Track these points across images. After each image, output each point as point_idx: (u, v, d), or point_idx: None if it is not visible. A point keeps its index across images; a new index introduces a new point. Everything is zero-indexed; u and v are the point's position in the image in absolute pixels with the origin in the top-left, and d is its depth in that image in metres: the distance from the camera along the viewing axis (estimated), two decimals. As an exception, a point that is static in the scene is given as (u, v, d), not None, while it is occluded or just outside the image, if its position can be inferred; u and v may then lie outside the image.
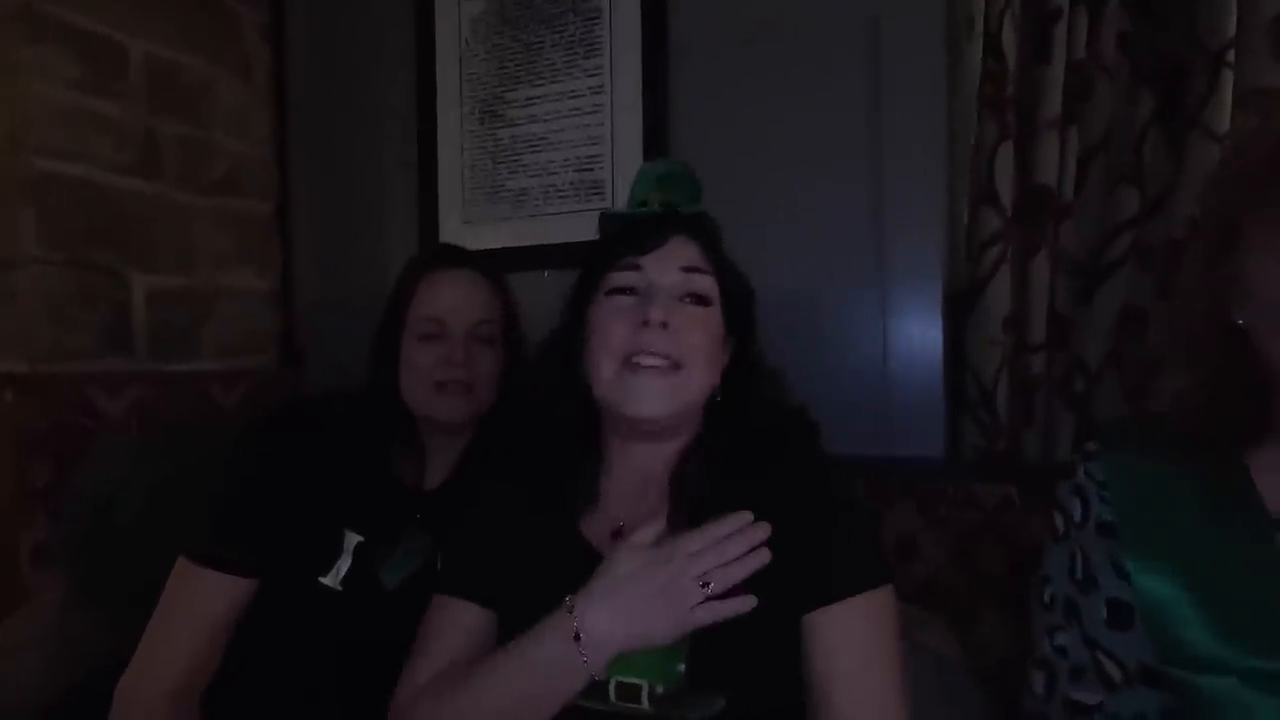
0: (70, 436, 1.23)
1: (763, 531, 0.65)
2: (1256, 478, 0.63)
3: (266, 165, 1.66)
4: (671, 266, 0.77)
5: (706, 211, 0.83)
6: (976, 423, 1.20)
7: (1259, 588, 0.60)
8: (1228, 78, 1.07)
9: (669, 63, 1.35)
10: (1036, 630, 0.73)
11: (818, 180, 1.25)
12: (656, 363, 0.73)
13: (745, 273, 0.83)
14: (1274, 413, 0.63)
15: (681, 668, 0.67)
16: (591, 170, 1.42)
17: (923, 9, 1.19)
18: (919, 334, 1.20)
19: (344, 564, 0.91)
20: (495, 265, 1.04)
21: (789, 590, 0.67)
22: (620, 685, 0.67)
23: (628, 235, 0.79)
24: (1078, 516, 0.70)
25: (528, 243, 1.45)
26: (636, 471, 0.79)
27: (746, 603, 0.63)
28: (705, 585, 0.64)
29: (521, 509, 0.80)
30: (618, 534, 0.75)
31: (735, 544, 0.65)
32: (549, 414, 0.82)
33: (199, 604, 0.86)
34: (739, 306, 0.81)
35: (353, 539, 0.92)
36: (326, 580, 0.90)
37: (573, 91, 1.43)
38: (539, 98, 1.46)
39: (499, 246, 1.45)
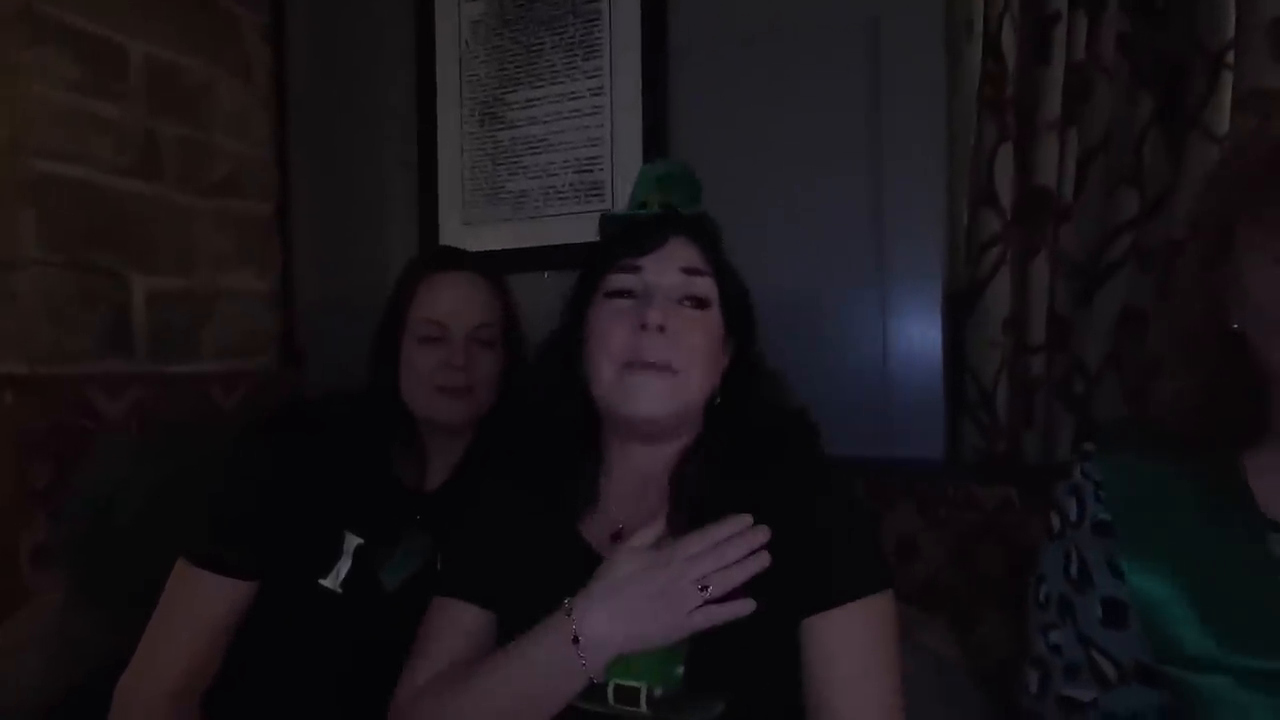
0: (70, 437, 1.23)
1: (762, 535, 0.65)
2: (1252, 479, 0.64)
3: (266, 166, 1.66)
4: (671, 268, 0.76)
5: (707, 213, 0.83)
6: (976, 424, 1.20)
7: (1253, 588, 0.60)
8: (1227, 79, 1.07)
9: (669, 64, 1.35)
10: (1031, 629, 0.74)
11: (818, 180, 1.25)
12: (655, 361, 0.73)
13: (745, 273, 0.83)
14: (1270, 415, 0.63)
15: (680, 671, 0.67)
16: (591, 172, 1.42)
17: (923, 9, 1.19)
18: (919, 334, 1.20)
19: (344, 566, 0.91)
20: (495, 267, 1.04)
21: (788, 594, 0.67)
22: (619, 688, 0.67)
23: (627, 236, 0.79)
24: (1074, 516, 0.70)
25: (528, 244, 1.45)
26: (636, 473, 0.79)
27: (745, 606, 0.63)
28: (704, 588, 0.64)
29: (521, 510, 0.80)
30: (617, 536, 0.75)
31: (735, 547, 0.65)
32: (549, 415, 0.82)
33: (199, 606, 0.87)
34: (739, 308, 0.81)
35: (353, 541, 0.92)
36: (326, 582, 0.90)
37: (572, 93, 1.43)
38: (539, 99, 1.46)
39: (499, 248, 1.46)
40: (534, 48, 1.46)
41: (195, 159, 1.50)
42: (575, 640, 0.65)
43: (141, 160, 1.40)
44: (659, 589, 0.64)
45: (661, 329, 0.72)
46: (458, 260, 1.02)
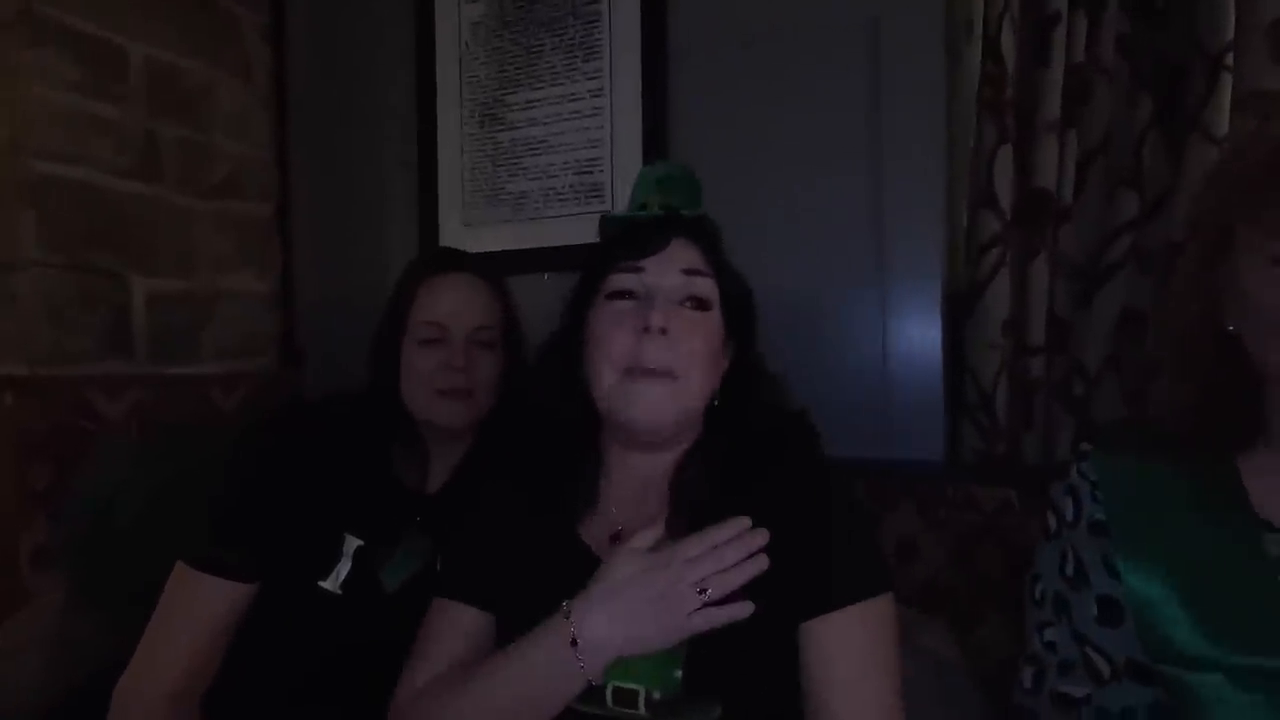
0: (70, 439, 1.24)
1: (761, 538, 0.65)
2: (1246, 480, 0.64)
3: (266, 167, 1.66)
4: (672, 269, 0.76)
5: (707, 214, 0.83)
6: (976, 425, 1.20)
7: (1247, 587, 0.61)
8: (1227, 80, 1.07)
9: (668, 65, 1.35)
10: (1027, 626, 0.74)
11: (818, 180, 1.25)
12: (656, 368, 0.73)
13: (745, 273, 0.83)
14: (1265, 416, 0.64)
15: (679, 674, 0.67)
16: (591, 173, 1.42)
17: (923, 9, 1.19)
18: (919, 335, 1.20)
19: (344, 568, 0.91)
20: (495, 268, 1.04)
21: (787, 597, 0.67)
22: (617, 690, 0.67)
23: (628, 238, 0.78)
24: (1070, 515, 0.71)
25: (528, 245, 1.45)
26: (636, 475, 0.79)
27: (744, 609, 0.63)
28: (703, 591, 0.64)
29: (521, 512, 0.80)
30: (616, 538, 0.75)
31: (733, 550, 0.65)
32: (549, 417, 0.82)
33: (198, 607, 0.87)
34: (739, 309, 0.81)
35: (353, 543, 0.92)
36: (326, 584, 0.90)
37: (572, 94, 1.43)
38: (539, 101, 1.46)
39: (499, 249, 1.46)
40: (534, 49, 1.46)
41: (195, 160, 1.50)
42: (574, 643, 0.65)
43: (141, 161, 1.40)
44: (658, 592, 0.64)
45: (663, 331, 0.72)
46: (457, 262, 1.02)
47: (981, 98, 1.19)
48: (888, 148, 1.21)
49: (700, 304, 0.76)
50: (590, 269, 0.81)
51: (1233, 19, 1.07)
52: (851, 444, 0.98)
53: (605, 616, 0.65)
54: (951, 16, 1.21)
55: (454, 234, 1.52)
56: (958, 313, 1.22)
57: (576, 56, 1.42)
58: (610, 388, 0.74)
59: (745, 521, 0.66)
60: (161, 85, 1.43)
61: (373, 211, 1.61)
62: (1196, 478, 0.65)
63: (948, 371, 1.21)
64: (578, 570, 0.69)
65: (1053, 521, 0.73)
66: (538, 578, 0.74)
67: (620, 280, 0.77)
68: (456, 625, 0.77)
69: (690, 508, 0.73)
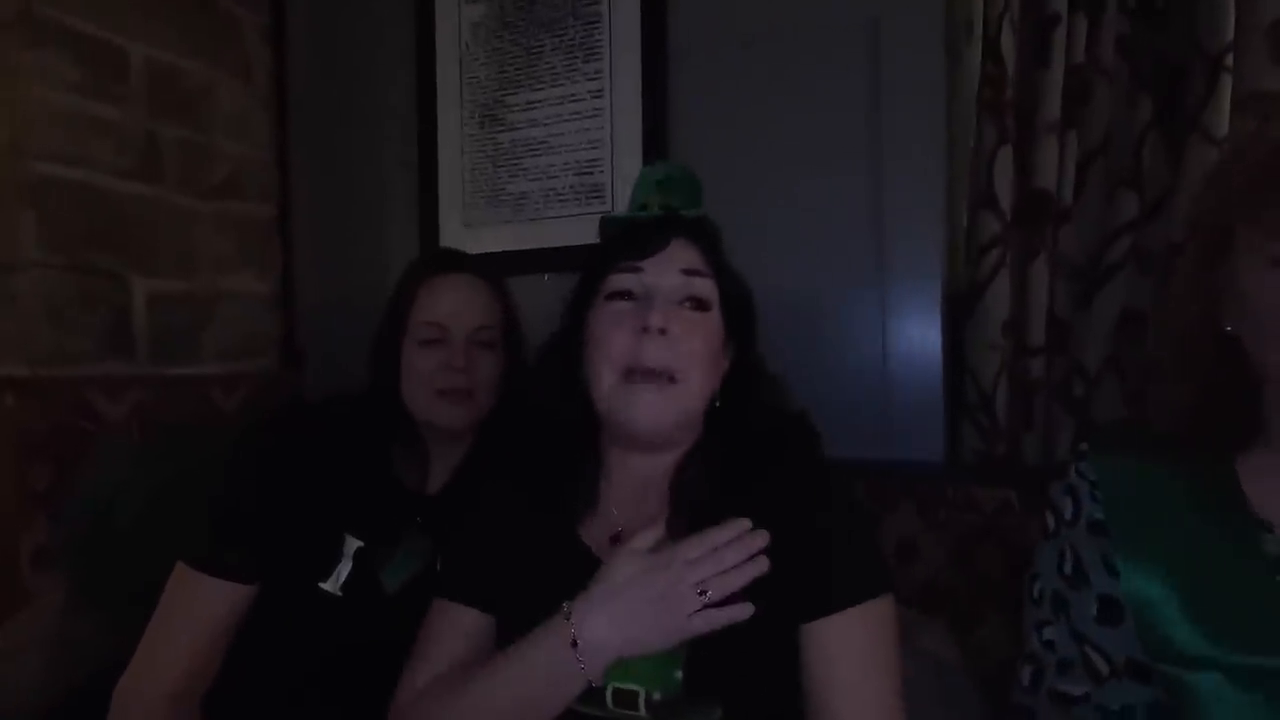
0: (70, 439, 1.24)
1: (761, 539, 0.65)
2: (1244, 481, 0.64)
3: (267, 167, 1.66)
4: (672, 269, 0.76)
5: (707, 214, 0.83)
6: (976, 426, 1.20)
7: (1246, 587, 0.61)
8: (1226, 81, 1.07)
9: (668, 65, 1.35)
10: (1026, 625, 0.74)
11: (818, 180, 1.25)
12: (655, 368, 0.73)
13: (745, 273, 0.83)
14: (1264, 417, 0.64)
15: (679, 675, 0.67)
16: (591, 174, 1.42)
17: (923, 9, 1.19)
18: (919, 335, 1.20)
19: (344, 568, 0.91)
20: (495, 269, 1.04)
21: (788, 598, 0.67)
22: (617, 691, 0.67)
23: (628, 238, 0.78)
24: (1069, 515, 0.71)
25: (528, 246, 1.45)
26: (636, 476, 0.79)
27: (744, 610, 0.63)
28: (703, 593, 0.64)
29: (521, 512, 0.80)
30: (616, 539, 0.75)
31: (733, 551, 0.65)
32: (549, 418, 0.82)
33: (198, 608, 0.87)
34: (739, 310, 0.81)
35: (353, 543, 0.92)
36: (326, 585, 0.90)
37: (572, 95, 1.43)
38: (539, 101, 1.46)
39: (499, 250, 1.46)
40: (534, 50, 1.46)
41: (195, 161, 1.50)
42: (574, 644, 0.65)
43: (142, 162, 1.40)
44: (658, 593, 0.64)
45: (663, 331, 0.72)
46: (457, 262, 1.02)
47: (981, 98, 1.19)
48: (888, 148, 1.21)
49: (700, 304, 0.77)
50: (590, 269, 0.81)
51: (1233, 20, 1.06)
52: (851, 444, 0.98)
53: (605, 617, 0.65)
54: (951, 17, 1.21)
55: (454, 235, 1.52)
56: (958, 313, 1.22)
57: (576, 57, 1.42)
58: (610, 389, 0.74)
59: (745, 523, 0.66)
60: (162, 86, 1.43)
61: (373, 212, 1.61)
62: (1195, 478, 0.66)
63: (948, 372, 1.21)
64: (578, 571, 0.69)
65: (1052, 521, 0.73)
66: (538, 579, 0.74)
67: (620, 281, 0.77)
68: (457, 626, 0.77)
69: (690, 509, 0.73)
